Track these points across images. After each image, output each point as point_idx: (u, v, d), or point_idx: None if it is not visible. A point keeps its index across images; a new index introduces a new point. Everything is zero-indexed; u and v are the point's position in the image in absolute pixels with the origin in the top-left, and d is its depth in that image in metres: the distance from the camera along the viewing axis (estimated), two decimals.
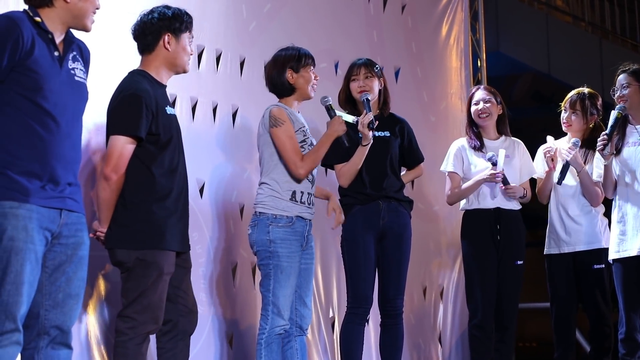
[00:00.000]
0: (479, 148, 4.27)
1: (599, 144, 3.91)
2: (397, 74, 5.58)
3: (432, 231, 5.40)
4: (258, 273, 4.31)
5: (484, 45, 6.52)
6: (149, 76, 3.21)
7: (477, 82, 6.47)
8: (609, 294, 4.23)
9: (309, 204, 3.69)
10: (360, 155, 3.93)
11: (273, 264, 3.56)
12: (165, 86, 3.27)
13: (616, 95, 3.99)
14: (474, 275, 4.22)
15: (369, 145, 3.90)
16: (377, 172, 4.00)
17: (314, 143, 3.72)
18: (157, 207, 3.12)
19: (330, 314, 4.80)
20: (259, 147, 3.72)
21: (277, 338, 3.58)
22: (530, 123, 4.73)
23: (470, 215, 4.26)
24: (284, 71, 3.67)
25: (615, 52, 9.20)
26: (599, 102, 4.33)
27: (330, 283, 4.76)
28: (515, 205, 4.25)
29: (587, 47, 9.00)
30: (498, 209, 4.19)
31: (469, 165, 4.28)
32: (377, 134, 3.97)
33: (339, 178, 4.01)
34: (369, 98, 3.97)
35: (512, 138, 4.38)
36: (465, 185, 4.25)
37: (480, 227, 4.21)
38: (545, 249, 4.35)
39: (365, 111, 3.89)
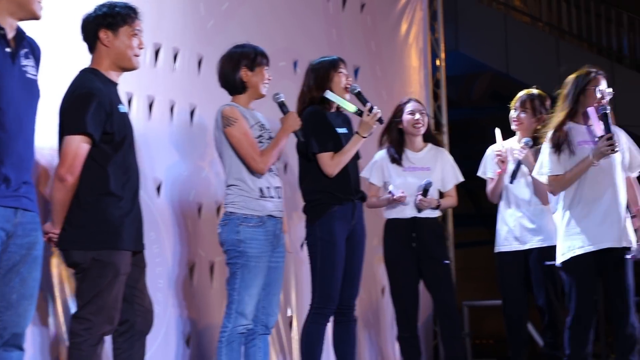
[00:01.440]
0: (398, 161, 4.33)
1: (608, 149, 3.85)
2: (356, 72, 5.60)
3: None
4: (216, 272, 4.32)
5: (442, 44, 6.57)
6: (100, 74, 3.16)
7: (436, 82, 6.53)
8: (559, 290, 4.31)
9: (278, 197, 3.68)
10: (355, 146, 3.94)
11: (241, 264, 3.55)
12: (116, 84, 3.22)
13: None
14: (393, 282, 4.36)
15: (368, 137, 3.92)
16: (354, 171, 4.03)
17: (271, 136, 3.71)
18: (113, 207, 3.09)
19: (289, 313, 4.80)
20: (217, 149, 3.70)
21: (239, 337, 3.57)
22: (489, 122, 4.79)
23: (389, 224, 4.37)
24: (238, 69, 3.65)
25: (572, 52, 9.33)
26: (548, 102, 4.41)
27: (288, 282, 4.77)
28: (432, 214, 4.35)
29: (545, 47, 9.11)
30: (414, 218, 4.29)
31: (387, 177, 4.35)
32: (342, 130, 3.99)
33: (327, 167, 3.92)
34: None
35: (438, 147, 4.46)
36: (378, 201, 4.35)
37: (397, 235, 4.32)
38: (495, 247, 4.43)
39: (369, 104, 3.93)
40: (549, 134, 4.01)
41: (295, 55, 5.00)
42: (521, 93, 4.43)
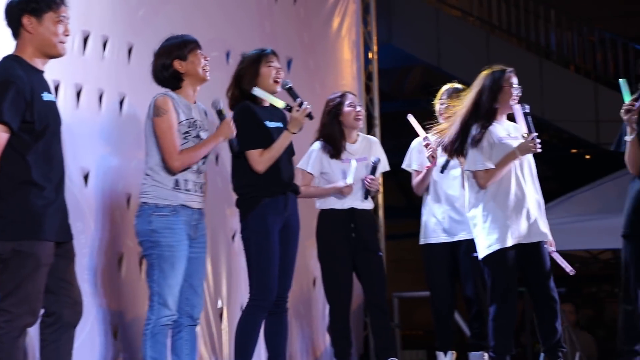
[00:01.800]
0: (336, 154, 4.35)
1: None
2: (289, 64, 5.62)
3: None
4: (144, 263, 4.28)
5: (375, 37, 6.63)
6: (23, 61, 3.08)
7: (369, 74, 6.59)
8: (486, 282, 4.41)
9: (197, 193, 3.66)
10: (284, 142, 3.92)
11: (156, 254, 3.53)
12: (41, 72, 3.14)
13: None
14: (328, 273, 4.38)
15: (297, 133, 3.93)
16: (285, 163, 4.02)
17: (203, 137, 3.66)
18: (34, 196, 3.03)
19: (219, 305, 4.80)
20: (145, 136, 3.67)
21: (164, 329, 3.55)
22: (421, 115, 4.87)
23: (325, 215, 4.38)
24: (170, 63, 3.61)
25: (502, 46, 9.54)
26: None
27: (219, 274, 4.76)
28: (368, 205, 4.41)
29: (475, 41, 9.29)
30: (352, 208, 4.33)
31: (327, 168, 4.37)
32: (274, 124, 3.97)
33: (256, 164, 3.90)
34: (291, 85, 3.96)
35: (368, 136, 4.56)
36: (316, 190, 4.36)
37: (333, 226, 4.34)
38: (422, 239, 4.51)
39: (299, 99, 3.90)
40: (472, 130, 4.06)
41: (228, 46, 4.98)
42: (446, 86, 4.52)
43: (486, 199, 4.05)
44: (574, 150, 10.07)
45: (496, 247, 4.00)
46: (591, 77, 9.77)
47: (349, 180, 4.26)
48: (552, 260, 4.11)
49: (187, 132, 3.61)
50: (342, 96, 4.43)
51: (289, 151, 4.03)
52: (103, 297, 4.05)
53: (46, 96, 3.11)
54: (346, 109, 4.39)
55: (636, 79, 10.18)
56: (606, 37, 9.90)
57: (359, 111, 4.41)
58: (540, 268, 4.05)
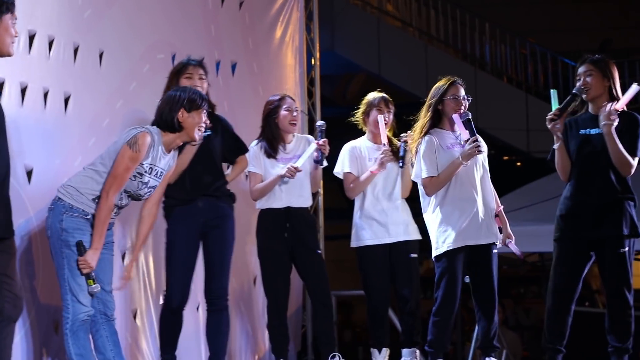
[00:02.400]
0: (272, 154, 4.51)
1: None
2: (233, 67, 5.72)
3: None
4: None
5: (317, 44, 6.78)
6: None
7: (311, 80, 6.74)
8: (419, 281, 4.59)
9: (113, 213, 3.69)
10: (188, 155, 4.09)
11: (66, 253, 3.58)
12: None
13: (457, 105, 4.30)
14: (265, 271, 4.53)
15: (196, 147, 4.05)
16: (197, 172, 4.16)
17: (150, 184, 3.68)
18: None
19: (161, 301, 4.86)
20: (111, 145, 3.70)
21: (83, 324, 3.59)
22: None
23: (263, 214, 4.54)
24: (177, 109, 3.65)
25: (439, 57, 9.81)
26: None
27: (160, 271, 4.82)
28: (304, 203, 4.54)
29: (414, 52, 9.53)
30: (288, 208, 4.48)
31: (267, 168, 4.51)
32: (208, 132, 4.12)
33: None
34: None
35: (304, 135, 4.72)
36: (263, 185, 4.50)
37: (270, 225, 4.50)
38: (355, 241, 4.60)
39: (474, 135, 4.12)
40: (419, 139, 4.30)
41: (174, 48, 5.05)
42: (375, 95, 4.62)
43: (437, 203, 4.26)
44: (506, 158, 10.41)
45: (444, 248, 4.22)
46: (522, 87, 10.12)
47: (299, 163, 4.40)
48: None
49: (139, 174, 3.63)
50: (280, 100, 4.56)
51: (209, 157, 4.17)
52: (44, 292, 4.07)
53: None
54: (282, 112, 4.53)
55: (565, 92, 10.61)
56: (537, 50, 10.28)
57: (294, 116, 4.54)
58: (486, 269, 4.25)
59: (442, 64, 9.29)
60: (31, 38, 4.13)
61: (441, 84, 4.31)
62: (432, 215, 4.28)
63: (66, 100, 4.32)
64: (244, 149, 4.46)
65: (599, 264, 4.12)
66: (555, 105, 4.11)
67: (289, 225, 4.47)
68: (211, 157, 4.22)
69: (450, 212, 4.23)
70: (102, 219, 3.59)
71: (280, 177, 4.43)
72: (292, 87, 6.29)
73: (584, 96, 4.08)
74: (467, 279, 4.51)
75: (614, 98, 4.07)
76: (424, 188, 4.28)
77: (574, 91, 4.10)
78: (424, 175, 4.26)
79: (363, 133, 4.70)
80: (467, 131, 4.20)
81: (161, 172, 3.70)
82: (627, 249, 4.02)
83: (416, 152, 4.30)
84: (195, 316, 5.04)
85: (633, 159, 4.02)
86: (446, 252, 4.23)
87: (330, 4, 8.41)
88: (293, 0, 6.36)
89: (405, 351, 4.53)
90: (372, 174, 4.52)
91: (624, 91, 4.09)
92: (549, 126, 4.10)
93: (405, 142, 4.44)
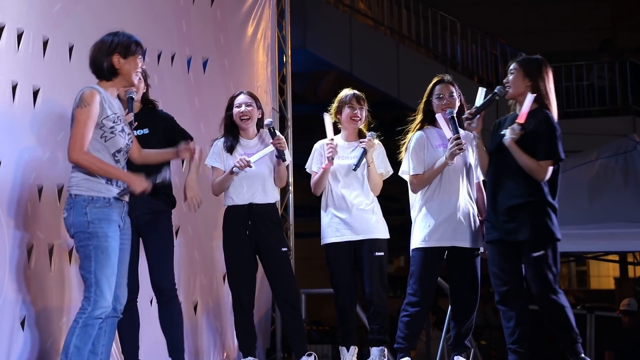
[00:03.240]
0: (231, 150, 4.52)
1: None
2: (205, 64, 5.71)
3: None
4: (55, 255, 4.30)
5: (289, 41, 6.79)
6: None
7: (282, 77, 6.75)
8: (386, 280, 4.62)
9: (125, 189, 3.69)
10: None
11: (93, 245, 3.53)
12: None
13: (442, 103, 4.31)
14: (229, 268, 4.55)
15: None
16: (131, 169, 4.05)
17: (126, 130, 3.68)
18: None
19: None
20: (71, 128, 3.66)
21: (96, 322, 3.54)
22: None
23: (227, 211, 4.56)
24: (111, 55, 3.63)
25: (411, 56, 9.87)
26: None
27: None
28: (269, 200, 4.54)
29: (386, 50, 9.57)
30: (250, 204, 4.49)
31: (229, 164, 4.51)
32: (136, 132, 4.13)
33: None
34: (133, 97, 4.11)
35: (264, 131, 4.61)
36: (219, 180, 4.52)
37: (233, 222, 4.51)
38: (323, 239, 4.61)
39: (127, 110, 4.02)
40: (410, 136, 4.37)
41: (145, 43, 4.92)
42: (347, 92, 4.61)
43: (422, 200, 4.33)
44: None
45: (421, 244, 4.28)
46: (493, 88, 10.20)
47: (253, 158, 4.41)
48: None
49: (112, 127, 3.60)
50: (235, 96, 4.59)
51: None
52: (11, 287, 4.03)
53: None
54: (234, 109, 4.55)
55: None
56: (507, 51, 10.37)
57: (243, 111, 4.52)
58: (465, 272, 4.29)
59: (414, 63, 9.34)
60: (0, 31, 4.08)
61: (431, 83, 4.39)
62: (416, 211, 4.35)
63: (35, 94, 4.29)
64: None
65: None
66: (478, 103, 4.14)
67: (251, 222, 4.47)
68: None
69: (433, 210, 4.29)
70: (104, 167, 3.55)
71: (231, 169, 4.44)
72: (263, 84, 6.30)
73: (505, 95, 4.10)
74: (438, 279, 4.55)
75: (542, 98, 4.05)
76: (410, 185, 4.36)
77: (495, 90, 4.13)
78: (410, 172, 4.34)
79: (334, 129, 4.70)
80: (451, 129, 4.24)
81: (123, 117, 3.69)
82: (541, 253, 3.97)
83: (406, 149, 4.38)
84: (149, 309, 4.98)
85: (547, 161, 3.98)
86: (423, 249, 4.28)
87: (302, 2, 8.42)
88: None
89: (373, 350, 4.54)
90: (323, 169, 4.54)
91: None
92: (465, 124, 4.15)
93: (364, 149, 4.46)
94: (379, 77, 9.18)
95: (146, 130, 4.22)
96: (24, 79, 4.22)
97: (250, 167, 4.41)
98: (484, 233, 4.23)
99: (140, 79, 3.82)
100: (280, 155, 4.45)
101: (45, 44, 4.34)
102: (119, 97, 3.88)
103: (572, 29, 13.21)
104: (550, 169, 4.00)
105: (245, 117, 4.53)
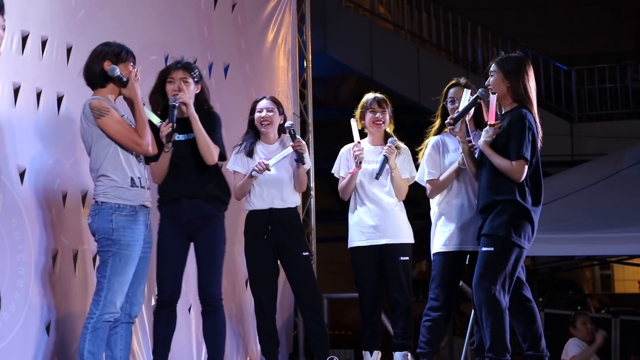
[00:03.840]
0: (251, 154, 4.52)
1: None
2: (226, 69, 5.74)
3: None
4: (79, 260, 4.33)
5: (309, 46, 6.81)
6: None
7: (303, 82, 6.76)
8: (411, 284, 4.61)
9: (148, 188, 3.78)
10: (164, 159, 4.12)
11: (113, 252, 3.61)
12: None
13: (454, 106, 4.29)
14: (251, 273, 4.56)
15: (170, 151, 4.08)
16: (181, 173, 4.16)
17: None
18: None
19: (153, 302, 4.86)
20: (86, 142, 3.75)
21: (105, 325, 3.62)
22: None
23: (249, 216, 4.56)
24: (102, 62, 3.71)
25: (431, 59, 9.86)
26: None
27: (153, 272, 4.83)
28: (289, 204, 4.53)
29: (407, 54, 9.57)
30: (271, 209, 4.48)
31: (248, 166, 4.51)
32: (181, 137, 4.14)
33: (152, 175, 4.17)
34: (176, 104, 4.07)
35: (286, 136, 4.58)
36: (240, 184, 4.52)
37: (254, 227, 4.51)
38: (350, 242, 4.61)
39: (168, 120, 4.03)
40: (428, 140, 4.38)
41: (167, 49, 5.06)
42: (371, 96, 4.62)
43: (442, 205, 4.34)
44: None
45: (441, 249, 4.29)
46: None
47: (271, 162, 4.41)
48: None
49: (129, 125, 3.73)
50: (257, 101, 4.60)
51: (193, 161, 4.15)
52: (36, 293, 4.07)
53: None
54: (255, 114, 4.56)
55: (556, 96, 10.65)
56: (529, 54, 10.32)
57: (264, 116, 4.51)
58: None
59: (434, 67, 9.33)
60: (24, 39, 4.13)
61: (445, 87, 4.40)
62: (436, 216, 4.37)
63: (59, 101, 4.33)
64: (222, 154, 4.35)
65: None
66: (462, 105, 4.12)
67: (271, 227, 4.47)
68: (195, 160, 4.18)
69: (453, 214, 4.30)
70: (140, 120, 3.69)
71: (250, 173, 4.43)
72: (284, 88, 6.31)
73: (488, 97, 4.06)
74: (460, 283, 4.53)
75: (522, 98, 4.01)
76: (427, 190, 4.38)
77: (477, 93, 4.11)
78: (426, 177, 4.37)
79: (349, 134, 4.72)
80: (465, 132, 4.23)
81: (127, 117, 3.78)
82: (491, 249, 3.95)
83: (423, 154, 4.40)
84: (187, 318, 5.05)
85: (519, 161, 3.93)
86: (444, 253, 4.29)
87: (322, 7, 8.44)
88: (285, 3, 6.38)
89: (396, 354, 4.54)
90: (351, 174, 4.54)
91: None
92: (448, 129, 4.15)
93: (385, 156, 4.45)
94: (399, 81, 9.17)
95: (192, 135, 4.19)
96: (48, 86, 4.26)
97: (268, 170, 4.40)
98: None
99: (179, 87, 3.98)
100: (300, 159, 4.44)
101: (69, 51, 4.38)
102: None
103: (594, 32, 13.13)
104: (526, 168, 3.95)
105: (265, 122, 4.53)
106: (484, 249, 3.98)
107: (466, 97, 4.13)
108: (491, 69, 4.09)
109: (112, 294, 3.59)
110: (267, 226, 4.47)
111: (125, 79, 3.72)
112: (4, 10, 3.24)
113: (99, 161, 3.70)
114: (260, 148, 4.55)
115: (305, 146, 4.50)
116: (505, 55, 4.13)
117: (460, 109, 4.12)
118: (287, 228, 4.50)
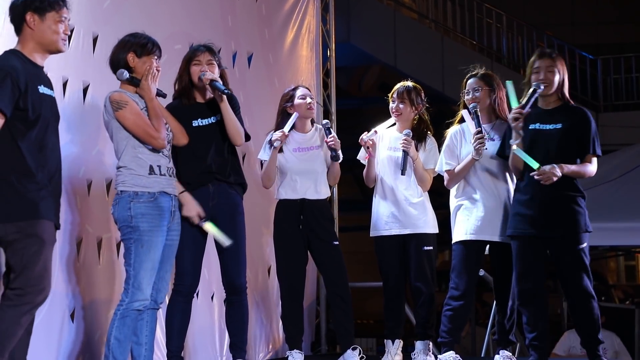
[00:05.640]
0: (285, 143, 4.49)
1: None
2: (250, 59, 5.74)
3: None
4: (103, 248, 4.38)
5: (333, 36, 6.80)
6: (22, 55, 3.26)
7: (327, 71, 6.76)
8: (435, 274, 4.61)
9: (172, 177, 3.80)
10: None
11: (134, 239, 3.65)
12: (40, 67, 3.32)
13: (469, 97, 4.35)
14: (280, 261, 4.55)
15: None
16: (214, 156, 4.14)
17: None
18: (27, 181, 3.15)
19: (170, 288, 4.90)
20: (110, 134, 3.81)
21: (134, 313, 3.65)
22: (377, 112, 5.06)
23: (279, 205, 4.56)
24: (126, 53, 3.75)
25: (456, 48, 9.80)
26: (422, 94, 4.67)
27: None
28: (321, 196, 4.54)
29: (431, 43, 9.52)
30: (303, 200, 4.49)
31: (280, 157, 4.51)
32: (204, 121, 4.13)
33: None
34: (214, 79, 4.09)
35: (319, 126, 4.64)
36: (265, 168, 4.52)
37: (285, 216, 4.51)
38: (372, 231, 4.64)
39: (218, 89, 4.05)
40: (447, 132, 4.42)
41: (192, 39, 5.07)
42: (398, 85, 4.65)
43: (461, 195, 4.36)
44: None
45: (461, 238, 4.31)
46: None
47: (286, 129, 4.42)
48: None
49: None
50: (295, 89, 4.60)
51: (218, 142, 4.12)
52: (62, 280, 4.11)
53: (42, 89, 3.26)
54: (297, 101, 4.54)
55: (582, 86, 10.54)
56: (554, 43, 10.24)
57: (309, 102, 4.54)
58: (505, 266, 4.26)
59: (459, 56, 9.26)
60: None
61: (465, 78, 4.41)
62: (454, 205, 4.39)
63: (85, 90, 4.36)
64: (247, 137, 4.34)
65: (555, 262, 4.11)
66: (513, 99, 4.07)
67: (303, 217, 4.48)
68: (220, 144, 4.15)
69: (472, 203, 4.30)
70: (155, 115, 3.71)
71: (273, 145, 4.41)
72: (307, 78, 6.31)
73: (540, 90, 4.06)
74: (481, 273, 4.53)
75: (563, 94, 4.11)
76: (445, 180, 4.40)
77: (534, 86, 4.08)
78: (443, 168, 4.41)
79: (378, 123, 4.72)
80: (473, 124, 4.23)
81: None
82: (584, 244, 4.02)
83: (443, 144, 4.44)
84: (210, 305, 5.08)
85: (593, 158, 4.06)
86: (463, 242, 4.30)
87: None
88: None
89: (418, 343, 4.55)
90: (366, 159, 4.59)
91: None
92: (514, 124, 4.07)
93: (404, 151, 4.44)
94: (423, 70, 9.13)
95: (207, 120, 4.17)
96: (74, 75, 4.29)
97: (286, 136, 4.41)
98: None
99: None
100: (335, 155, 4.46)
101: (95, 40, 4.41)
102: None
103: (619, 21, 12.96)
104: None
105: (310, 108, 4.54)
106: (578, 247, 4.03)
107: (511, 89, 4.10)
108: (547, 63, 4.10)
109: (138, 281, 3.62)
110: (299, 215, 4.47)
111: (138, 79, 3.75)
112: (62, 7, 3.30)
113: (119, 152, 3.76)
114: (295, 137, 4.54)
115: (339, 143, 4.49)
116: (550, 51, 4.26)
117: (524, 103, 4.06)
118: (318, 218, 4.51)
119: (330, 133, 4.47)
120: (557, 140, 4.04)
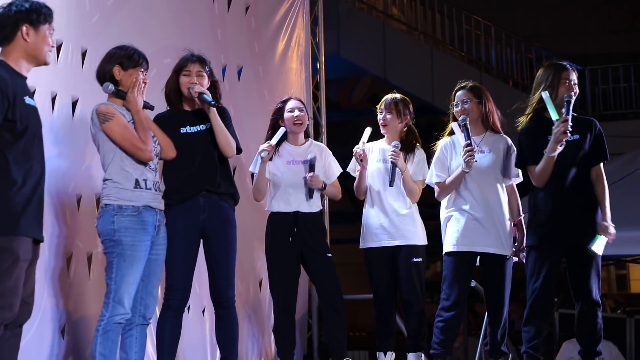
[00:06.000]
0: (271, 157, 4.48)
1: (467, 156, 4.21)
2: (239, 72, 5.75)
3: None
4: (94, 263, 4.36)
5: (323, 48, 6.81)
6: (7, 66, 3.24)
7: (316, 84, 6.77)
8: (424, 286, 4.61)
9: (157, 192, 3.79)
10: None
11: (116, 253, 3.63)
12: (25, 77, 3.30)
13: (458, 109, 4.36)
14: (272, 274, 4.52)
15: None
16: (206, 167, 4.10)
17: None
18: (12, 193, 3.12)
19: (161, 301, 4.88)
20: (97, 146, 3.80)
21: (116, 327, 3.63)
22: (368, 124, 5.07)
23: (272, 217, 4.53)
24: (112, 66, 3.75)
25: (445, 60, 9.84)
26: (410, 106, 4.68)
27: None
28: (314, 208, 4.53)
29: (420, 55, 9.56)
30: (296, 212, 4.47)
31: (271, 169, 4.49)
32: (192, 129, 4.10)
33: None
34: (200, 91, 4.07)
35: (319, 144, 4.68)
36: (256, 181, 4.52)
37: (278, 228, 4.48)
38: (363, 243, 4.64)
39: (207, 102, 4.03)
40: (438, 143, 4.44)
41: (181, 52, 5.02)
42: (387, 96, 4.67)
43: (451, 206, 4.36)
44: None
45: (451, 249, 4.31)
46: (528, 91, 10.13)
47: (273, 141, 4.42)
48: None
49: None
50: (285, 101, 4.58)
51: (207, 149, 4.06)
52: (52, 296, 4.09)
53: (28, 100, 3.25)
54: (286, 114, 4.54)
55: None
56: (543, 55, 10.30)
57: (297, 116, 4.50)
58: (494, 277, 4.30)
59: (448, 68, 9.31)
60: None
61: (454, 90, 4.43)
62: (444, 216, 4.39)
63: (74, 105, 4.36)
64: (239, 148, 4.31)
65: (570, 268, 4.14)
66: (553, 112, 4.08)
67: (297, 229, 4.46)
68: (211, 154, 4.10)
69: (462, 214, 4.31)
70: (141, 128, 3.71)
71: (262, 159, 4.41)
72: (297, 91, 6.31)
73: (573, 99, 4.13)
74: (473, 283, 4.53)
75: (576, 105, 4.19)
76: (435, 192, 4.41)
77: (566, 98, 4.11)
78: (433, 180, 4.41)
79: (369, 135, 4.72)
80: (463, 136, 4.25)
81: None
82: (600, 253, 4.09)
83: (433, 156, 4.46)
84: (201, 320, 5.06)
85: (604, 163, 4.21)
86: (454, 253, 4.30)
87: (335, 8, 8.44)
88: (298, 5, 6.39)
89: (410, 355, 4.55)
90: (358, 171, 4.60)
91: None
92: (562, 137, 4.04)
93: (392, 162, 4.46)
94: (413, 82, 9.16)
95: (196, 128, 4.13)
96: (63, 89, 4.29)
97: (273, 147, 4.41)
98: (515, 237, 4.31)
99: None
100: (306, 192, 4.44)
101: (84, 54, 4.42)
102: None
103: (608, 31, 13.06)
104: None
105: (298, 122, 4.51)
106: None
107: (549, 99, 4.11)
108: (575, 75, 4.23)
109: (119, 295, 3.61)
110: (292, 228, 4.45)
111: (124, 91, 3.75)
112: (52, 20, 3.30)
113: (106, 165, 3.75)
114: (288, 150, 4.53)
115: (319, 182, 4.46)
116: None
117: (566, 114, 4.07)
118: (311, 231, 4.50)
119: (313, 170, 4.45)
120: (575, 150, 4.12)
